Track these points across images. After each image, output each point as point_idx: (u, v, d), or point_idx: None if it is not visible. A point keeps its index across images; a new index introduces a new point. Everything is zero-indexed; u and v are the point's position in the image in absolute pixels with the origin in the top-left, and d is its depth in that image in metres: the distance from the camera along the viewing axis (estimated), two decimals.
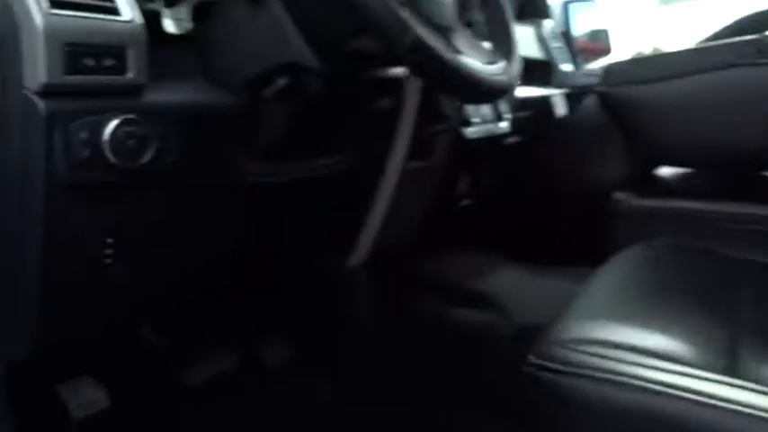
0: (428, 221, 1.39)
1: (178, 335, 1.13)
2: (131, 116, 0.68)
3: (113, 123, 0.67)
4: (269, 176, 0.94)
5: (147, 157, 0.70)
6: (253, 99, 0.83)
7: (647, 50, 2.32)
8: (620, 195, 1.52)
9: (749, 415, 0.62)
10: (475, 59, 0.78)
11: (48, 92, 0.63)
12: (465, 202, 1.57)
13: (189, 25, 0.80)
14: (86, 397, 0.93)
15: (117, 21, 0.67)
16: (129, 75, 0.69)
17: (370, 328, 1.41)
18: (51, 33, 0.62)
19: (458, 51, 0.76)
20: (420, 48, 0.68)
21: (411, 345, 1.41)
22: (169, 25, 0.78)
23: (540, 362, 0.73)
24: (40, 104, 0.63)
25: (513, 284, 1.47)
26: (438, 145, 1.24)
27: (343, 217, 1.19)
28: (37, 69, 0.62)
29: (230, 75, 0.81)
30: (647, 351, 0.71)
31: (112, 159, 0.67)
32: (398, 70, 1.01)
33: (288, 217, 1.04)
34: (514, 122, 1.42)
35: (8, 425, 0.78)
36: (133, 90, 0.70)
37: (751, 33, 1.37)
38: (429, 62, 0.70)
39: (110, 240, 0.75)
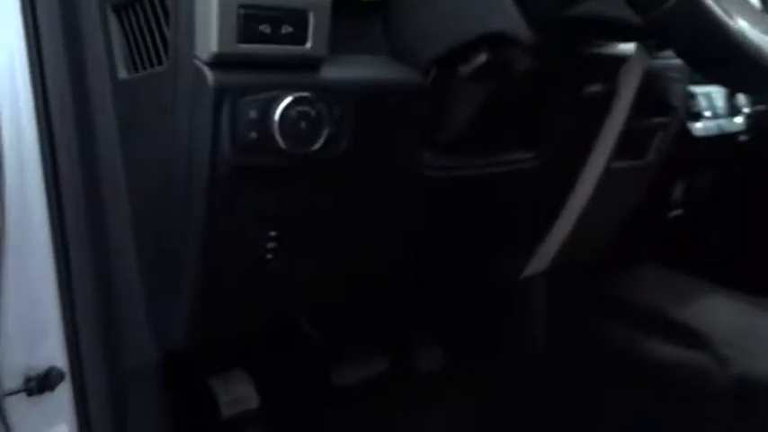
0: (627, 231, 1.16)
1: (334, 333, 1.06)
2: (305, 94, 0.58)
3: (285, 102, 0.57)
4: (450, 170, 0.80)
5: (318, 142, 0.60)
6: (443, 79, 0.70)
7: None
8: None
9: None
10: (756, 28, 0.56)
11: (218, 62, 0.55)
12: (676, 212, 1.31)
13: None
14: (236, 393, 0.88)
15: None
16: (308, 45, 0.58)
17: (540, 347, 1.24)
18: None
19: (731, 16, 0.55)
20: (688, 10, 0.48)
21: (587, 373, 1.21)
22: None
23: None
24: (210, 77, 0.55)
25: (728, 320, 1.19)
26: (655, 141, 1.02)
27: (527, 220, 1.02)
28: (209, 36, 0.54)
29: (421, 49, 0.68)
30: None
31: (281, 143, 0.58)
32: (621, 47, 0.80)
33: (465, 216, 0.90)
34: (752, 117, 1.13)
35: (162, 414, 0.74)
36: (310, 64, 0.60)
37: None
38: (701, 32, 0.49)
39: (272, 233, 0.67)
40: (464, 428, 1.17)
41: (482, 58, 0.66)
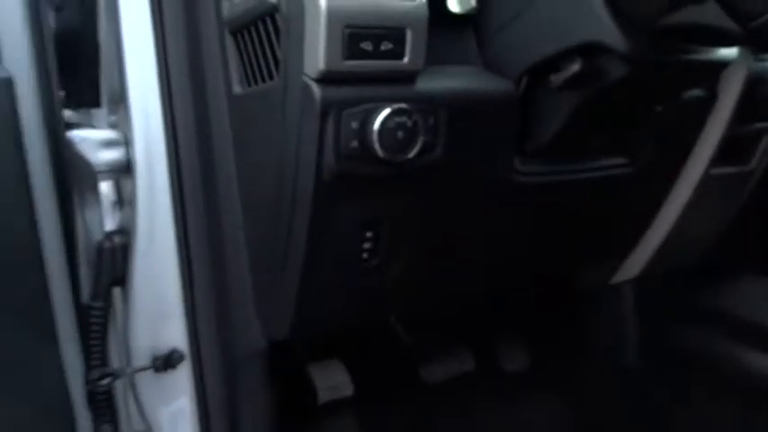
0: (725, 240, 1.12)
1: (422, 332, 1.10)
2: (403, 106, 0.63)
3: (384, 113, 0.62)
4: (540, 176, 0.81)
5: (413, 151, 0.64)
6: (534, 88, 0.71)
7: None
8: None
9: None
10: None
11: (324, 78, 0.60)
12: None
13: (473, 3, 0.71)
14: (333, 381, 0.94)
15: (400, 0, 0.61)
16: (405, 60, 0.63)
17: (628, 354, 1.21)
18: (334, 14, 0.58)
19: None
20: None
21: (676, 384, 1.17)
22: (453, 4, 0.70)
23: None
24: (317, 92, 0.60)
25: None
26: (760, 147, 0.97)
27: (619, 226, 1.01)
28: (317, 54, 0.59)
29: (513, 59, 0.70)
30: None
31: (380, 152, 0.62)
32: (722, 52, 0.78)
33: (554, 222, 0.91)
34: None
35: (266, 394, 0.81)
36: (407, 77, 0.64)
37: None
38: None
39: (368, 234, 0.72)
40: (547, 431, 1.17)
41: (575, 67, 0.67)
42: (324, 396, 0.95)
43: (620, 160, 0.88)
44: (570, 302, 1.24)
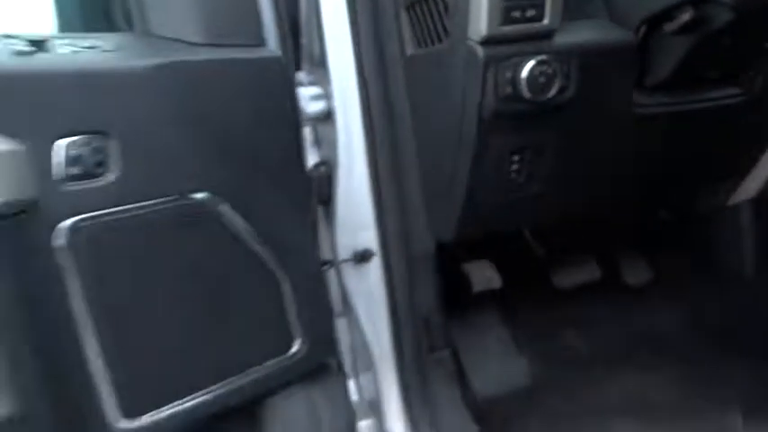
0: None
1: (556, 244, 1.30)
2: (544, 57, 0.83)
3: (530, 64, 0.82)
4: (657, 107, 0.98)
5: (551, 92, 0.85)
6: (651, 35, 0.88)
7: None
8: None
9: None
10: None
11: (485, 41, 0.82)
12: None
13: None
14: (485, 275, 1.20)
15: None
16: (545, 21, 0.82)
17: (748, 267, 1.32)
18: None
19: None
20: None
21: None
22: None
23: None
24: (480, 51, 0.82)
25: None
26: None
27: (734, 151, 1.14)
28: (479, 23, 0.81)
29: (633, 11, 0.87)
30: None
31: (527, 94, 0.83)
32: None
33: (672, 149, 1.07)
34: None
35: (435, 285, 1.08)
36: (547, 34, 0.84)
37: None
38: None
39: (515, 158, 0.94)
40: (666, 340, 1.32)
41: (686, 16, 0.83)
42: (477, 287, 1.20)
43: (733, 90, 1.01)
44: (691, 222, 1.38)
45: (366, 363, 1.13)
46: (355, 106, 1.02)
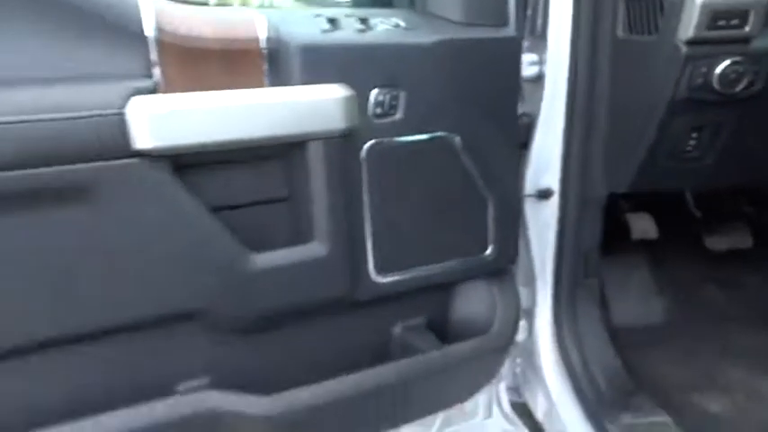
0: None
1: (713, 209, 1.48)
2: (738, 59, 1.01)
3: (725, 63, 1.02)
4: None
5: (740, 86, 1.03)
6: None
7: None
8: None
9: None
10: None
11: (690, 41, 1.02)
12: None
13: None
14: (644, 226, 1.43)
15: None
16: (746, 29, 1.00)
17: None
18: (705, 5, 0.98)
19: None
20: None
21: None
22: None
23: None
24: (683, 49, 1.02)
25: None
26: None
27: None
28: (689, 27, 1.01)
29: None
30: None
31: (717, 86, 1.03)
32: None
33: None
34: None
35: (599, 228, 1.33)
36: (745, 40, 1.02)
37: None
38: None
39: (694, 135, 1.14)
40: None
41: None
42: (635, 234, 1.44)
43: None
44: None
45: (528, 278, 1.43)
46: (564, 72, 1.26)
